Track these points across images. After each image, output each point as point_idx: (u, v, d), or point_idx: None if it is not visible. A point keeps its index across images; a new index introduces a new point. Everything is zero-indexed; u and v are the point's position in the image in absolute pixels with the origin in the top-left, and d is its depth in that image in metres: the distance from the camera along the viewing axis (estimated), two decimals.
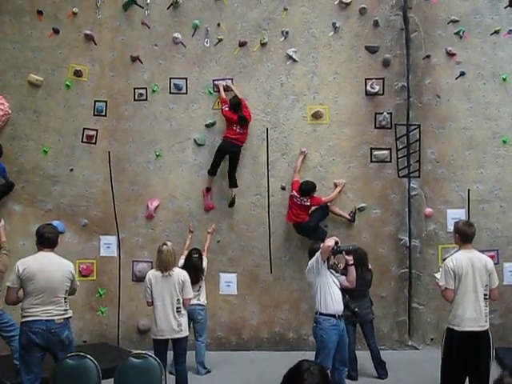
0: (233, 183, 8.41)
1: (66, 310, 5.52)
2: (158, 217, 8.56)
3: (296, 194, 8.11)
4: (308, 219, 8.12)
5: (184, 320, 6.34)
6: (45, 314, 5.33)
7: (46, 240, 5.54)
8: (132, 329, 8.52)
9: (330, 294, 5.96)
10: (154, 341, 6.34)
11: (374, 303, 7.63)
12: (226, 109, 8.24)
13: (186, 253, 7.59)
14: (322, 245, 6.03)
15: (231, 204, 8.42)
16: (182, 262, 7.43)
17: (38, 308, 5.33)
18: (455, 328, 5.70)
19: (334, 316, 5.96)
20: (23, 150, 8.43)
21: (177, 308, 6.25)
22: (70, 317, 5.60)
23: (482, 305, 5.69)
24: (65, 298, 5.51)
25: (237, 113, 8.16)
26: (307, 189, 8.06)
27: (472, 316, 5.64)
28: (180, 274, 6.38)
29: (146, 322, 8.42)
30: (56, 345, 5.34)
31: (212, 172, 8.39)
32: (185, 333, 6.35)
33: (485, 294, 5.72)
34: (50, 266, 5.45)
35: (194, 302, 7.12)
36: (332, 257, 6.13)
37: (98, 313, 8.54)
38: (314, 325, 6.10)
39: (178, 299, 6.26)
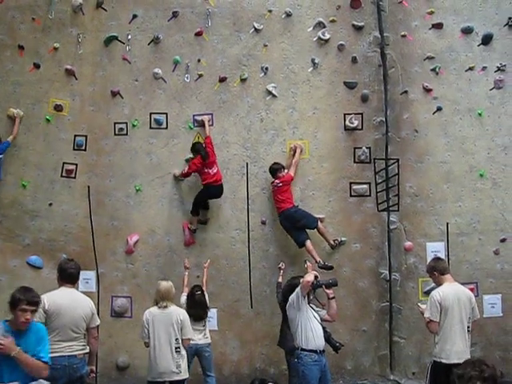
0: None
1: (84, 345, 5.57)
2: (137, 252, 8.49)
3: (273, 183, 8.19)
4: (291, 206, 8.11)
5: (183, 361, 6.13)
6: (68, 349, 5.36)
7: (69, 276, 5.62)
8: (111, 366, 8.36)
9: (311, 330, 5.93)
10: (148, 382, 6.16)
11: (355, 337, 7.58)
12: (195, 162, 8.21)
13: (186, 290, 7.48)
14: (301, 280, 6.02)
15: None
16: (184, 299, 7.32)
17: (61, 344, 5.34)
18: (443, 361, 5.77)
19: (315, 351, 5.92)
20: (1, 184, 8.35)
21: (175, 348, 6.07)
22: (87, 352, 5.62)
23: (466, 337, 5.81)
24: (84, 335, 5.56)
25: (200, 154, 8.20)
26: (275, 168, 8.17)
27: (460, 349, 5.75)
28: (178, 312, 6.23)
29: (124, 359, 8.31)
30: (76, 381, 5.36)
31: (197, 213, 8.39)
32: (184, 375, 6.14)
33: (468, 327, 5.83)
34: (74, 302, 5.52)
35: (201, 340, 7.12)
36: (312, 291, 6.11)
37: None
38: (295, 360, 6.05)
39: (177, 339, 6.09)
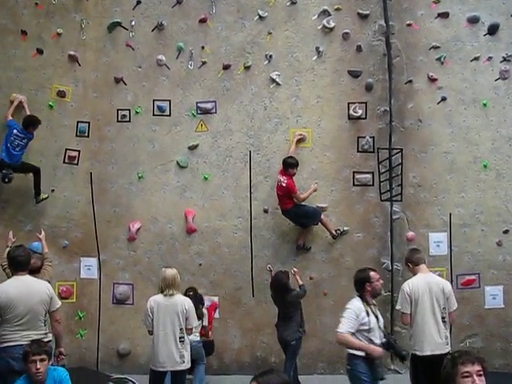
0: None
1: (45, 334, 5.45)
2: (139, 239, 8.49)
3: (280, 176, 8.08)
4: (292, 206, 8.04)
5: (187, 351, 6.03)
6: (25, 338, 5.23)
7: (19, 263, 5.49)
8: (112, 352, 8.40)
9: None
10: (151, 370, 6.10)
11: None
12: None
13: None
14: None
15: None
16: None
17: (18, 334, 5.26)
18: (417, 353, 5.76)
19: None
20: None
21: (179, 338, 5.96)
22: (50, 340, 5.51)
23: (442, 328, 5.77)
24: (44, 322, 5.43)
25: None
26: (289, 162, 8.02)
27: (432, 340, 5.71)
28: (184, 301, 6.11)
29: (126, 346, 8.33)
30: None
31: None
32: (187, 364, 6.07)
33: (443, 317, 5.79)
34: (27, 290, 5.37)
35: (193, 338, 6.82)
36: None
37: (78, 336, 8.39)
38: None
39: (181, 328, 5.98)
